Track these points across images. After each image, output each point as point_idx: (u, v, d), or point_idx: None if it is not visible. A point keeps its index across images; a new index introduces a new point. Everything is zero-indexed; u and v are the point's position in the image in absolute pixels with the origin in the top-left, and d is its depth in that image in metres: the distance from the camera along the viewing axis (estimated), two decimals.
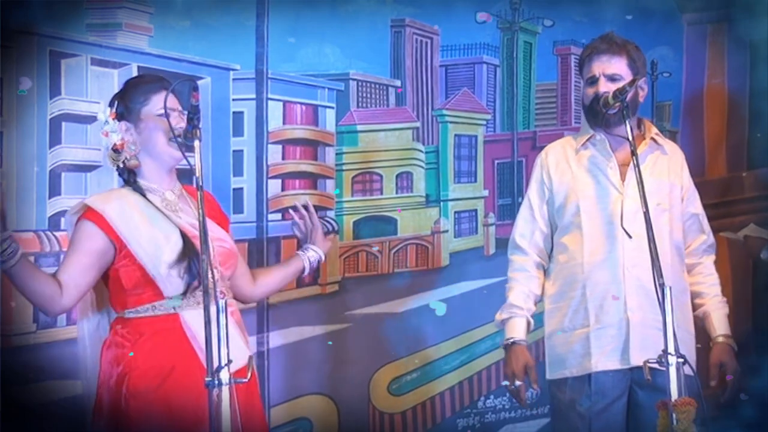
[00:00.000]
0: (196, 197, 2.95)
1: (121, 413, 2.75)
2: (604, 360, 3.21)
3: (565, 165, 3.37)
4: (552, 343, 3.35)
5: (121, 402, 2.75)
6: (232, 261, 3.00)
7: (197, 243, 2.79)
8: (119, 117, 2.87)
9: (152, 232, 2.80)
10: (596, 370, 3.22)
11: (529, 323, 3.34)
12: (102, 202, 2.82)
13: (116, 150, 2.87)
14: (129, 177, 2.90)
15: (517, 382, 3.23)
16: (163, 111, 2.75)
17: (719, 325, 3.31)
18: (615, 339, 3.21)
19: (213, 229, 2.91)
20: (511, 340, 3.30)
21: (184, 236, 2.82)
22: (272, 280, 3.28)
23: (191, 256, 2.80)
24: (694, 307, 3.37)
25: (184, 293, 2.81)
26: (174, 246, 2.80)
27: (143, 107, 2.87)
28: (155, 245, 2.79)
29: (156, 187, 2.91)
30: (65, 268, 2.79)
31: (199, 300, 2.79)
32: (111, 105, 2.90)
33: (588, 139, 3.34)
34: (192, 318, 2.81)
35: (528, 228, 3.40)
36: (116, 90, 3.03)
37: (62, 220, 3.53)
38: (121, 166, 2.89)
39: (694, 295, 3.37)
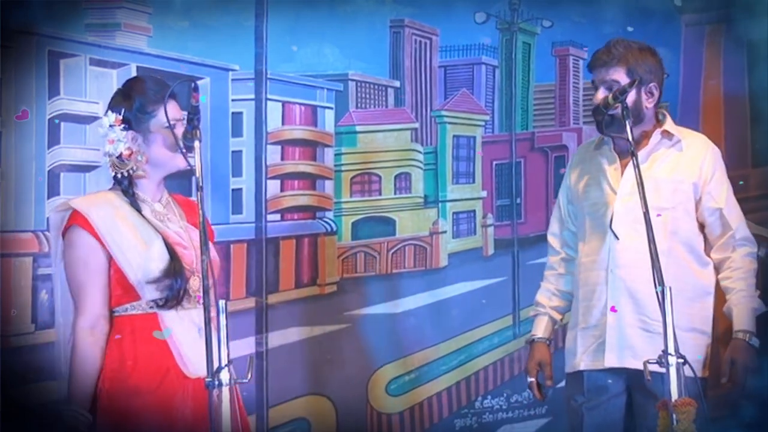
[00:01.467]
0: (183, 205, 2.99)
1: (101, 410, 2.77)
2: (585, 359, 3.27)
3: (582, 165, 3.40)
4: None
5: (100, 398, 2.77)
6: (214, 270, 2.97)
7: (184, 255, 2.82)
8: (125, 124, 2.83)
9: (136, 242, 2.79)
10: (578, 369, 3.29)
11: (553, 320, 3.46)
12: (88, 207, 2.80)
13: (121, 158, 2.83)
14: (129, 188, 2.87)
15: (529, 379, 3.40)
16: (171, 122, 2.71)
17: (738, 320, 3.19)
18: (595, 339, 3.25)
19: (195, 237, 2.86)
20: (532, 338, 3.45)
21: (170, 252, 2.80)
22: None
23: (175, 273, 2.78)
24: (725, 304, 3.27)
25: (163, 306, 2.80)
26: (159, 261, 2.78)
27: (152, 119, 2.83)
28: (138, 255, 2.78)
29: (147, 197, 2.89)
30: (92, 295, 2.78)
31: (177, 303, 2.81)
32: (115, 111, 2.84)
33: (600, 140, 3.37)
34: (170, 318, 2.80)
35: (557, 226, 3.49)
36: (115, 90, 2.99)
37: None
38: (125, 174, 2.85)
39: (725, 292, 3.26)
